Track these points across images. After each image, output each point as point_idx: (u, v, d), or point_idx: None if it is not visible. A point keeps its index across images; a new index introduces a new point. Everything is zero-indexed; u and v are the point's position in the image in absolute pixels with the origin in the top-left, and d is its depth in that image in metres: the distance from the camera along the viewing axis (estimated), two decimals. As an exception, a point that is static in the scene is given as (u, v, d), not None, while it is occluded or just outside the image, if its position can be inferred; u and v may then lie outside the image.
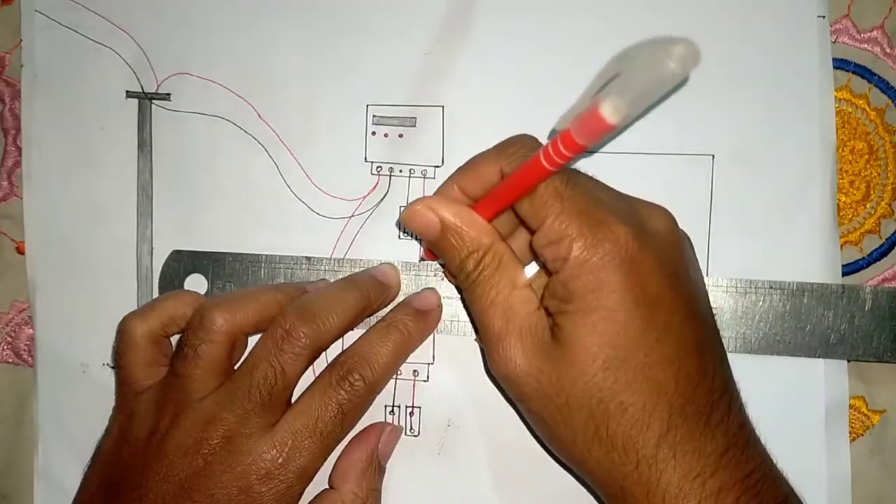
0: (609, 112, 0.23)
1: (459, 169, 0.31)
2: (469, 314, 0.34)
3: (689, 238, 0.30)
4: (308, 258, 0.35)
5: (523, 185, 0.28)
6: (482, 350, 0.34)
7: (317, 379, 0.31)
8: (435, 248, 0.31)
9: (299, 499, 0.31)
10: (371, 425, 0.34)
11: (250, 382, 0.30)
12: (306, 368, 0.31)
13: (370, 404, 0.32)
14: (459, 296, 0.34)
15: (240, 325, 0.31)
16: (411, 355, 0.35)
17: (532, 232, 0.28)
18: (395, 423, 0.35)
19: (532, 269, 0.33)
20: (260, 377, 0.30)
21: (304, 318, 0.31)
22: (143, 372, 0.32)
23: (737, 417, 0.27)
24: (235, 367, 0.32)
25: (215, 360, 0.31)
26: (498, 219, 0.30)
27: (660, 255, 0.27)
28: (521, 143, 0.30)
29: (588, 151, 0.35)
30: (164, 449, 0.30)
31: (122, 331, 0.33)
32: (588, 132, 0.24)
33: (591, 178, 0.29)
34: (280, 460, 0.29)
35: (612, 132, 0.24)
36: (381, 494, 0.33)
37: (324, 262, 0.35)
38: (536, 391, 0.28)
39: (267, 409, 0.30)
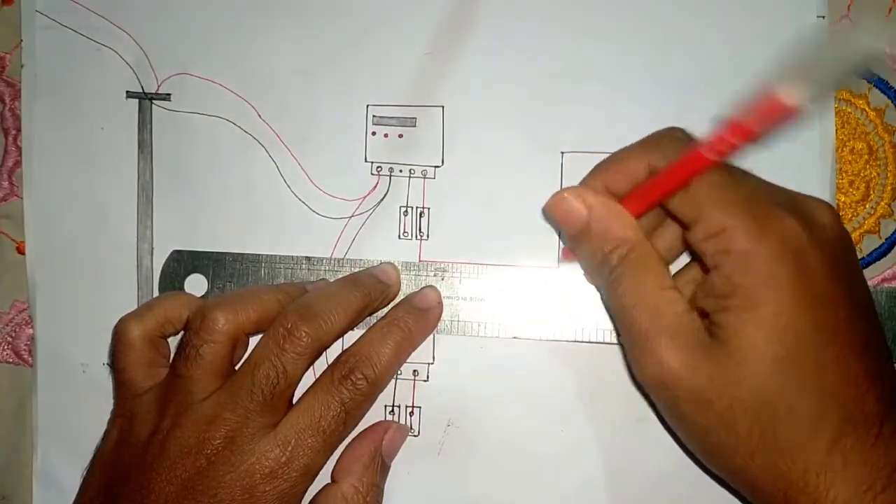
0: (789, 94, 0.22)
1: (602, 164, 0.30)
2: (609, 314, 0.33)
3: (849, 234, 0.29)
4: (308, 258, 0.35)
5: (679, 178, 0.27)
6: (624, 354, 0.34)
7: (319, 378, 0.31)
8: (577, 240, 0.29)
9: (303, 497, 0.31)
10: (378, 423, 0.34)
11: (252, 382, 0.30)
12: (308, 367, 0.31)
13: (373, 403, 0.32)
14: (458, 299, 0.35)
15: (241, 324, 0.31)
16: (412, 355, 0.35)
17: (685, 227, 0.27)
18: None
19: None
20: (262, 377, 0.30)
21: (306, 318, 0.31)
22: (142, 373, 0.32)
23: None
24: (237, 367, 0.32)
25: (217, 360, 0.31)
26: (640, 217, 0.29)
27: (827, 251, 0.26)
28: (672, 136, 0.29)
29: (588, 150, 0.35)
30: (165, 450, 0.30)
31: (119, 333, 0.32)
32: (765, 117, 0.23)
33: (746, 171, 0.28)
34: (283, 459, 0.29)
35: (791, 118, 0.23)
36: (384, 493, 0.33)
37: (324, 262, 0.35)
38: (693, 395, 0.26)
39: (269, 408, 0.30)
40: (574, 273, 0.35)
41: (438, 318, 0.34)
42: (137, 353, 0.32)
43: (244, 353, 0.32)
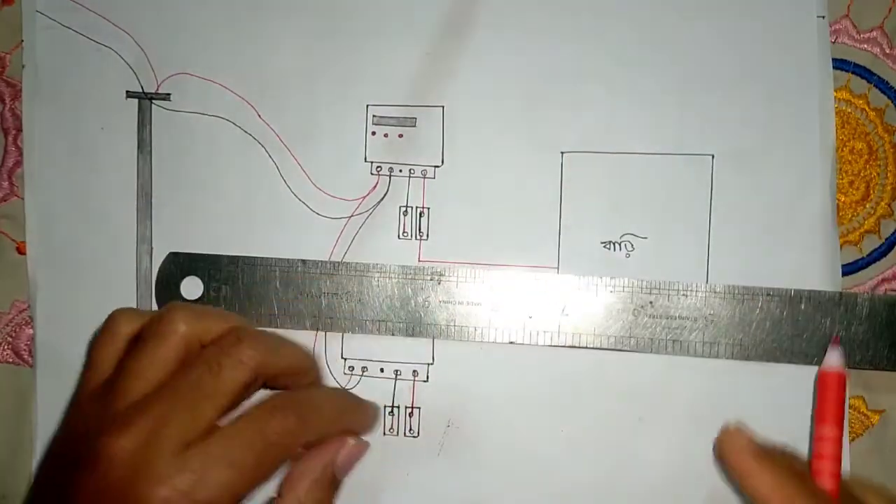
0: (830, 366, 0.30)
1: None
2: None
3: None
4: (303, 261, 0.35)
5: None
6: None
7: (247, 409, 0.29)
8: None
9: None
10: (336, 438, 0.31)
11: (180, 383, 0.28)
12: (243, 392, 0.29)
13: (294, 454, 0.29)
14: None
15: (199, 332, 0.29)
16: (411, 355, 0.35)
17: None
18: (395, 423, 0.35)
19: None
20: (194, 379, 0.28)
21: (258, 338, 0.29)
22: (112, 366, 0.30)
23: None
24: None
25: (158, 358, 0.28)
26: None
27: None
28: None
29: (588, 150, 0.35)
30: (84, 454, 0.27)
31: (108, 324, 0.30)
32: (833, 397, 0.30)
33: None
34: (183, 488, 0.26)
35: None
36: None
37: (319, 265, 0.35)
38: None
39: (187, 421, 0.27)
40: (574, 273, 0.35)
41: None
42: (116, 350, 0.30)
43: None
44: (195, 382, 0.28)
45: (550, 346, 0.34)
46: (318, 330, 0.35)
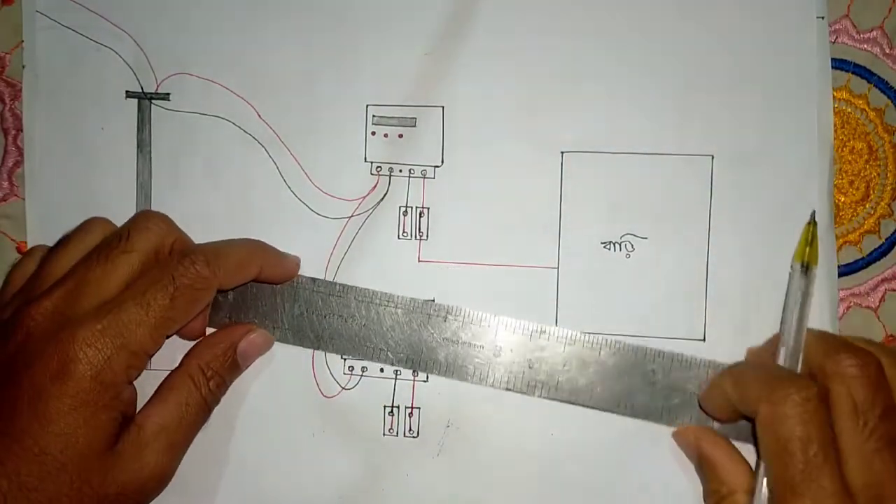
0: None
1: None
2: None
3: None
4: (313, 279, 0.35)
5: None
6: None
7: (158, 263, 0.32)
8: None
9: (122, 377, 0.30)
10: (242, 323, 0.34)
11: (94, 250, 0.31)
12: (151, 251, 0.32)
13: (207, 297, 0.32)
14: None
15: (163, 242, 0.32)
16: (411, 355, 0.35)
17: None
18: (395, 423, 0.35)
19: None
20: (104, 243, 0.32)
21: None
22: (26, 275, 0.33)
23: None
24: None
25: (81, 249, 0.32)
26: None
27: None
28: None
29: (588, 150, 0.35)
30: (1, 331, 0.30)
31: (28, 253, 0.34)
32: None
33: None
34: (98, 327, 0.29)
35: None
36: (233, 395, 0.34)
37: (329, 286, 0.35)
38: None
39: (101, 277, 0.30)
40: (574, 272, 0.35)
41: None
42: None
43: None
44: (104, 254, 0.31)
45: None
46: (318, 349, 0.35)
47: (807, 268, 0.32)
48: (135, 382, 0.31)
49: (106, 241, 0.32)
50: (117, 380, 0.29)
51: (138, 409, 0.31)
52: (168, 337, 0.31)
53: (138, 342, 0.30)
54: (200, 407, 0.32)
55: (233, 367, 0.33)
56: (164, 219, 0.33)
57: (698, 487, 0.33)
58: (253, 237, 0.35)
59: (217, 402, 0.33)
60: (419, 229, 0.36)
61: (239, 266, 0.32)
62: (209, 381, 0.32)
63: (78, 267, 0.31)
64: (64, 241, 0.33)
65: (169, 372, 0.33)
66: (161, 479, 0.31)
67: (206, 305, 0.32)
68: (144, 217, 0.33)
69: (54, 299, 0.30)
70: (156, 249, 0.32)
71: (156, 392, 0.32)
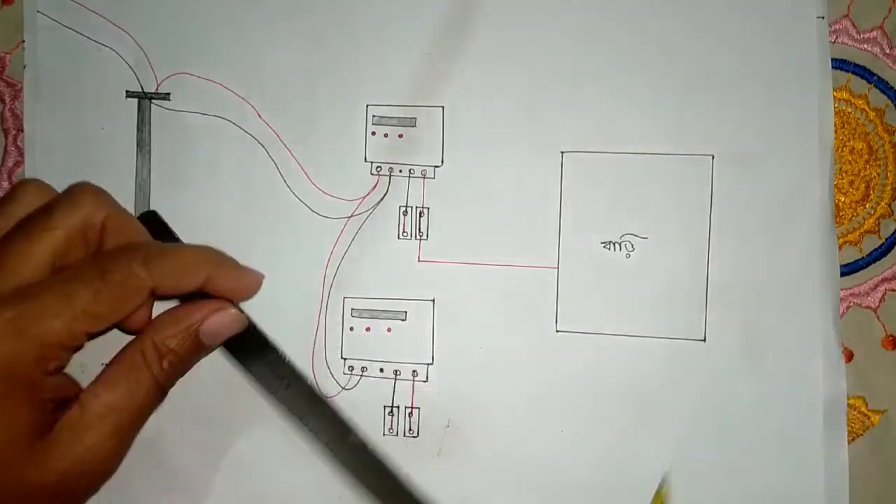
0: None
1: None
2: None
3: None
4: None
5: None
6: None
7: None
8: None
9: (35, 371, 0.27)
10: (213, 300, 0.30)
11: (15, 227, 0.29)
12: (78, 230, 0.29)
13: (139, 297, 0.28)
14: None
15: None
16: (411, 354, 0.35)
17: None
18: (395, 423, 0.35)
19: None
20: (27, 219, 0.29)
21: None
22: None
23: None
24: None
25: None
26: None
27: None
28: None
29: (588, 150, 0.35)
30: None
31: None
32: None
33: None
34: (8, 315, 0.26)
35: None
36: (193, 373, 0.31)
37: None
38: None
39: (16, 256, 0.28)
40: (574, 272, 0.35)
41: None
42: None
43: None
44: (25, 230, 0.28)
45: (552, 341, 0.34)
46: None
47: None
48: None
49: (30, 216, 0.29)
50: (31, 374, 0.27)
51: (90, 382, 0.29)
52: (96, 335, 0.28)
53: (54, 334, 0.27)
54: (152, 387, 0.29)
55: (194, 346, 0.30)
56: (98, 192, 0.30)
57: (708, 489, 0.33)
58: (253, 237, 0.36)
59: (172, 383, 0.30)
60: (419, 229, 0.36)
61: (182, 271, 0.29)
62: (163, 358, 0.29)
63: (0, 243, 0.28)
64: None
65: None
66: (107, 462, 0.28)
67: (138, 306, 0.29)
68: (74, 190, 0.29)
69: None
70: (83, 227, 0.29)
71: (107, 366, 0.29)
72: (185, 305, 0.30)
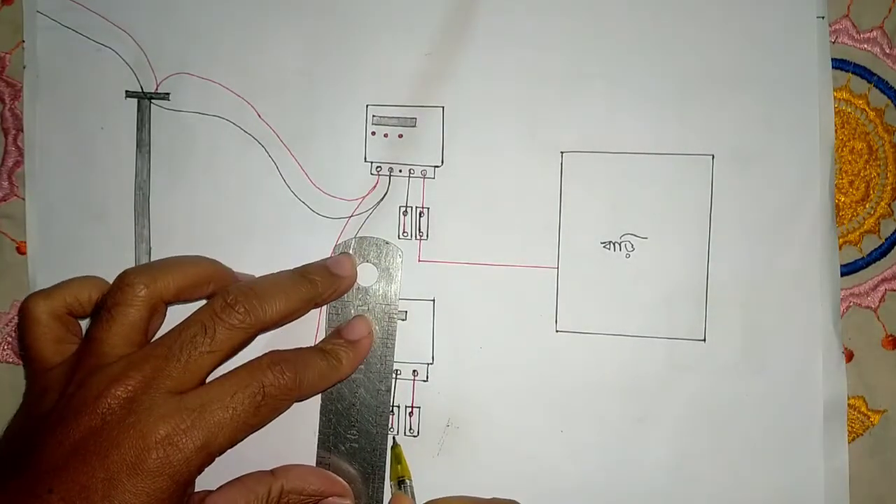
0: None
1: None
2: None
3: None
4: None
5: None
6: None
7: (243, 364, 0.31)
8: None
9: (195, 475, 0.29)
10: (341, 482, 0.34)
11: (175, 340, 0.29)
12: (238, 347, 0.30)
13: (286, 407, 0.31)
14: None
15: (160, 291, 0.30)
16: (411, 355, 0.35)
17: None
18: (395, 423, 0.35)
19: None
20: (188, 336, 0.29)
21: (248, 296, 0.30)
22: (51, 349, 0.31)
23: None
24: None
25: (131, 323, 0.30)
26: None
27: None
28: None
29: (588, 150, 0.35)
30: (64, 411, 0.28)
31: (23, 309, 0.32)
32: None
33: None
34: (183, 426, 0.28)
35: None
36: None
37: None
38: None
39: (183, 372, 0.29)
40: (574, 272, 0.35)
41: (368, 349, 0.34)
42: (44, 328, 0.31)
43: (161, 324, 0.32)
44: (189, 340, 0.29)
45: (552, 340, 0.34)
46: None
47: (402, 482, 0.33)
48: None
49: (190, 334, 0.30)
50: (192, 478, 0.29)
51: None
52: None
53: (218, 444, 0.29)
54: None
55: None
56: (250, 308, 0.31)
57: (705, 487, 0.33)
58: (253, 237, 0.36)
59: None
60: (419, 229, 0.36)
61: (321, 377, 0.32)
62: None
63: (156, 351, 0.29)
64: (108, 307, 0.31)
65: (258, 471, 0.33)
66: None
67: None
68: (228, 313, 0.30)
69: (130, 387, 0.28)
70: (241, 344, 0.31)
71: (232, 482, 0.32)
72: (325, 475, 0.33)
